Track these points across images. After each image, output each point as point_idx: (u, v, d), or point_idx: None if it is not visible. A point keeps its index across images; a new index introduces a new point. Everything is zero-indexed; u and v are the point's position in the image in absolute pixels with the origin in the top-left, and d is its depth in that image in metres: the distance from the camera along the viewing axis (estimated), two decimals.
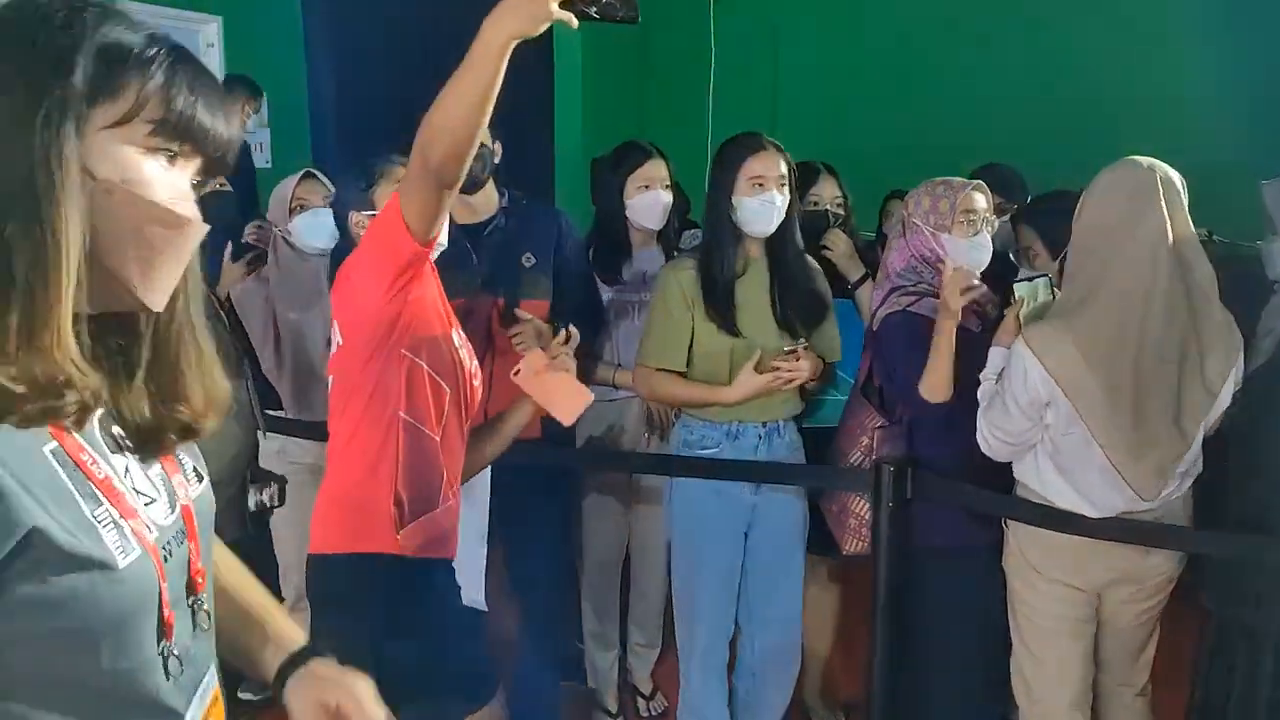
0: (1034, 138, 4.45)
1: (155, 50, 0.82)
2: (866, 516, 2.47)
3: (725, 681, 2.57)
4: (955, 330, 2.23)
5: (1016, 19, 5.24)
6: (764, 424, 2.49)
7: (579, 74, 5.20)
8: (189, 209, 0.86)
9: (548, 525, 2.80)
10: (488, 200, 2.69)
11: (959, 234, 2.36)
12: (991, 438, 2.19)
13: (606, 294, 2.90)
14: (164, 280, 0.86)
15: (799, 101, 5.94)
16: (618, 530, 3.06)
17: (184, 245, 0.86)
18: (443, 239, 1.98)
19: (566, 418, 2.01)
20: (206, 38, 6.17)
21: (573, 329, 2.03)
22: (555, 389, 2.00)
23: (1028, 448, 2.19)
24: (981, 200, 2.39)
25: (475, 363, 1.96)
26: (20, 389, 0.75)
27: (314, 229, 2.74)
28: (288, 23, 6.35)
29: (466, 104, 1.46)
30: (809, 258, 2.57)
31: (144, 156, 0.83)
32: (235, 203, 3.25)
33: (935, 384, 2.25)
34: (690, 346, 2.46)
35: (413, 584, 1.87)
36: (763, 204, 2.38)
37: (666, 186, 2.85)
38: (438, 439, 1.87)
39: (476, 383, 1.96)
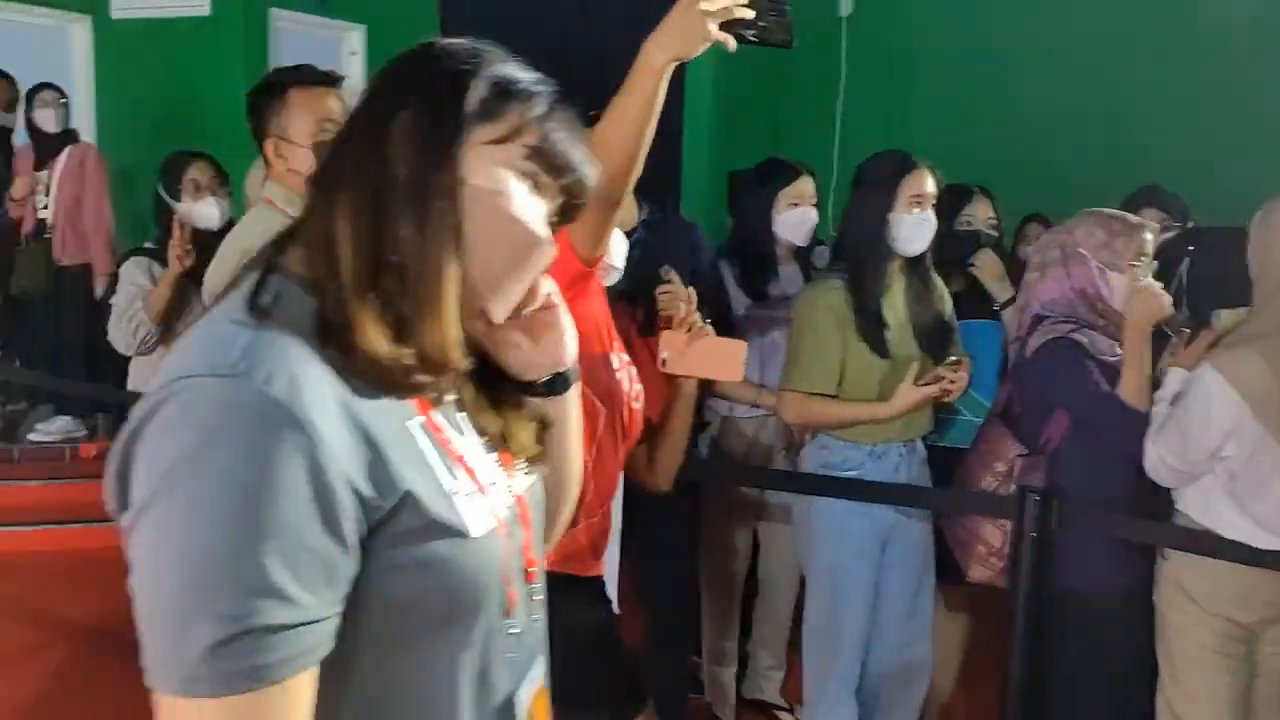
0: (1172, 162, 4.30)
1: (541, 90, 0.93)
2: (996, 545, 2.41)
3: (855, 703, 2.54)
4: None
5: (1155, 39, 5.10)
6: (904, 443, 2.46)
7: (710, 89, 5.23)
8: (544, 230, 0.93)
9: (672, 539, 2.81)
10: (629, 213, 2.72)
11: (1130, 276, 2.26)
12: (1161, 464, 2.12)
13: (740, 309, 2.91)
14: (509, 292, 0.93)
15: (932, 122, 5.86)
16: (741, 547, 3.06)
17: (532, 263, 0.93)
18: (616, 260, 1.99)
19: (735, 373, 1.99)
20: (350, 45, 6.41)
21: (690, 290, 2.03)
22: (709, 355, 1.96)
23: (1196, 476, 2.12)
24: (1150, 241, 2.31)
25: (638, 386, 1.95)
26: (414, 365, 0.84)
27: None
28: (427, 31, 6.55)
29: (629, 124, 1.50)
30: (938, 277, 2.54)
31: (513, 176, 0.91)
32: None
33: (1138, 386, 2.17)
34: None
35: (551, 597, 1.89)
36: (920, 222, 2.36)
37: (814, 204, 2.84)
38: (589, 460, 1.88)
39: (637, 405, 1.94)
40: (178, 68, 5.93)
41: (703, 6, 1.37)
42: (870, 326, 2.38)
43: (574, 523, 1.91)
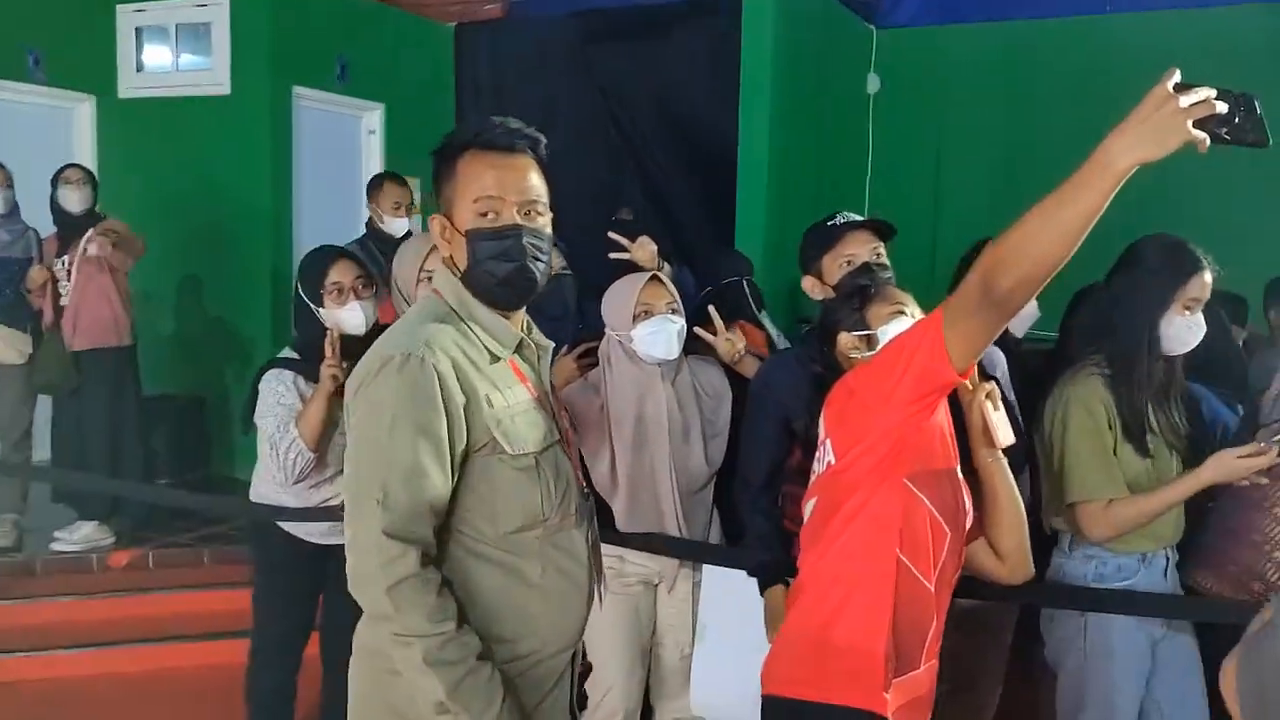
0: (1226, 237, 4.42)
1: None
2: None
3: None
4: None
5: None
6: (1171, 547, 2.37)
7: (766, 159, 5.23)
8: None
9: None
10: None
11: None
12: None
13: None
14: None
15: (961, 193, 5.96)
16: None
17: None
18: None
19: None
20: (369, 124, 6.22)
21: None
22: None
23: None
24: None
25: (969, 503, 1.85)
26: None
27: (657, 340, 2.57)
28: (443, 111, 6.43)
29: (1062, 231, 1.38)
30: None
31: None
32: (575, 290, 3.18)
33: None
34: None
35: None
36: (1193, 326, 2.29)
37: None
38: (931, 588, 1.74)
39: (968, 522, 1.85)
40: (193, 148, 5.65)
41: (1183, 103, 1.29)
42: (1137, 426, 2.30)
43: (917, 665, 1.77)
